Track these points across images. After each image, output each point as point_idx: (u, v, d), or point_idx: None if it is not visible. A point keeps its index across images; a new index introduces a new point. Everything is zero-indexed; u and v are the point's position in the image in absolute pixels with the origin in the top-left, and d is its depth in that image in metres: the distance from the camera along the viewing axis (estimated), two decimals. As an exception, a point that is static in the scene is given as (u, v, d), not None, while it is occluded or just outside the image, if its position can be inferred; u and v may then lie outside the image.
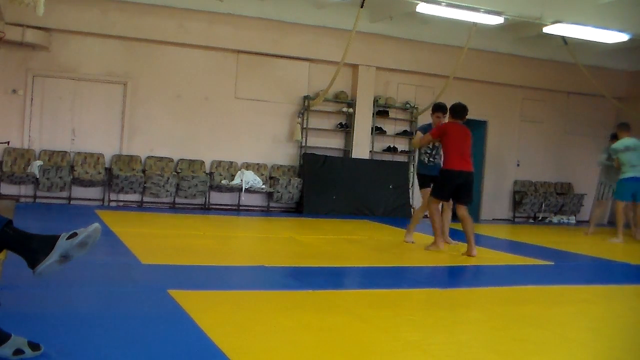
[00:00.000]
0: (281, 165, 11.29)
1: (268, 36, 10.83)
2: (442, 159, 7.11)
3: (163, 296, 3.98)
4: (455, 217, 7.49)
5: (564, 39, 10.65)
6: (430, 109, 11.49)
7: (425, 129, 7.51)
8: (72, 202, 9.98)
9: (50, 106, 10.03)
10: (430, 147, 7.34)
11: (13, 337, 2.66)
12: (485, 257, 7.39)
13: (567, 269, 6.85)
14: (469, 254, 6.67)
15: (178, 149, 10.66)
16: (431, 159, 7.43)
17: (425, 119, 12.12)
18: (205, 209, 10.61)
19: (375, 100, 11.73)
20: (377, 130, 11.82)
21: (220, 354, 2.90)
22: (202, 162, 10.79)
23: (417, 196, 12.23)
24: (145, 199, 10.29)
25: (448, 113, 7.07)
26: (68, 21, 9.80)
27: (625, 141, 9.33)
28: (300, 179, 11.06)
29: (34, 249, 2.59)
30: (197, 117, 10.73)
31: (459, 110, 6.86)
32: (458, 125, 6.80)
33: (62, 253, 2.59)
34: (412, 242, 7.46)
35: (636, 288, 5.85)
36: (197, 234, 7.36)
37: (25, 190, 9.80)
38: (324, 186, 11.11)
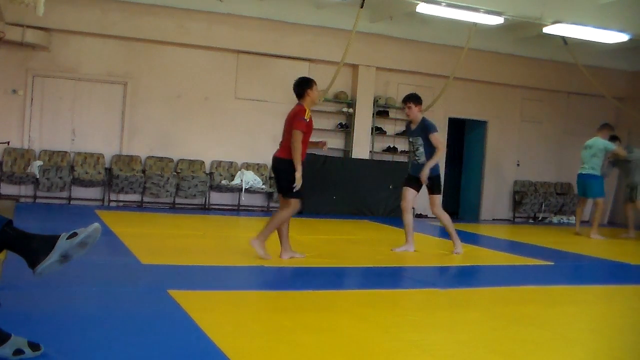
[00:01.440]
0: (281, 165, 11.27)
1: (268, 36, 10.82)
2: (426, 158, 6.65)
3: (163, 296, 3.98)
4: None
5: (564, 39, 10.65)
6: (429, 109, 11.61)
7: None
8: (72, 202, 9.98)
9: (50, 106, 10.03)
10: (411, 142, 6.85)
11: (13, 337, 2.66)
12: (485, 257, 7.40)
13: (567, 269, 6.85)
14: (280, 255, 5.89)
15: (178, 149, 10.66)
16: (412, 156, 6.93)
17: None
18: (205, 209, 10.61)
19: (375, 100, 11.73)
20: (377, 131, 11.82)
21: (220, 354, 2.91)
22: (202, 162, 10.78)
23: (418, 196, 12.24)
24: (145, 199, 10.29)
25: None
26: (68, 21, 9.80)
27: (588, 140, 9.88)
28: (300, 179, 11.04)
29: (34, 249, 2.59)
30: (197, 117, 10.73)
31: (293, 88, 5.96)
32: (292, 110, 5.92)
33: (62, 253, 2.59)
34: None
35: (636, 288, 5.85)
36: (197, 234, 7.37)
37: (25, 190, 9.80)
38: (324, 186, 11.10)
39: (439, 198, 6.88)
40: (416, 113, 6.72)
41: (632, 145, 10.66)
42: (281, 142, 5.96)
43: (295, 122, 5.70)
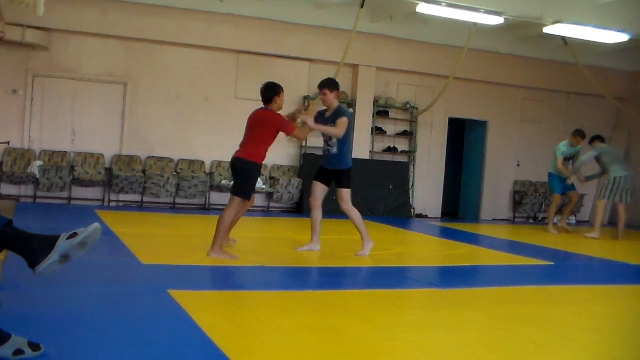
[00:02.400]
0: (281, 165, 11.28)
1: (268, 36, 10.82)
2: (338, 148, 6.21)
3: (163, 296, 3.98)
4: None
5: (564, 39, 10.66)
6: (429, 109, 11.63)
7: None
8: (72, 202, 9.97)
9: (50, 106, 10.03)
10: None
11: (13, 337, 2.66)
12: (486, 257, 7.40)
13: (567, 269, 6.86)
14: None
15: (178, 149, 10.66)
16: (324, 147, 6.37)
17: (426, 118, 12.17)
18: (205, 209, 10.61)
19: (375, 100, 11.73)
20: (377, 130, 11.82)
21: (220, 354, 2.91)
22: (202, 162, 10.79)
23: (418, 196, 12.29)
24: (145, 199, 10.29)
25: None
26: (68, 21, 9.79)
27: None
28: (300, 179, 11.05)
29: (34, 248, 2.59)
30: (197, 117, 10.73)
31: (260, 91, 6.03)
32: (255, 111, 6.11)
33: (62, 253, 2.59)
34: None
35: (636, 288, 5.86)
36: (197, 234, 7.36)
37: (25, 190, 9.79)
38: (324, 186, 11.08)
39: (347, 192, 6.21)
40: (332, 100, 6.20)
41: (608, 146, 10.44)
42: (242, 142, 6.08)
43: (284, 127, 5.94)
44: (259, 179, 10.67)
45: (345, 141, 6.21)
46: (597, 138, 10.09)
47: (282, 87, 6.00)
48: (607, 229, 10.64)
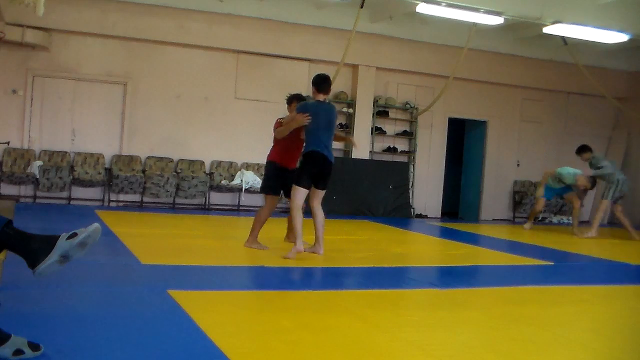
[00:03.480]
0: (281, 165, 11.27)
1: (268, 36, 10.82)
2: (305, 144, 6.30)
3: (163, 296, 3.98)
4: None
5: (564, 39, 10.66)
6: (429, 109, 11.62)
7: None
8: (72, 202, 9.97)
9: (50, 106, 10.03)
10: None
11: (13, 337, 2.66)
12: (485, 257, 7.40)
13: (567, 269, 6.85)
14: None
15: (178, 149, 10.66)
16: None
17: (426, 119, 12.17)
18: (205, 209, 10.61)
19: (375, 101, 11.73)
20: (377, 131, 11.82)
21: (220, 354, 2.91)
22: (202, 162, 10.78)
23: (418, 196, 12.29)
24: (145, 199, 10.29)
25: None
26: (68, 21, 9.80)
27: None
28: (300, 179, 11.04)
29: (34, 249, 2.59)
30: (197, 117, 10.73)
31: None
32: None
33: (62, 253, 2.59)
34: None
35: (636, 288, 5.86)
36: (197, 234, 7.36)
37: (25, 190, 9.79)
38: (324, 186, 11.08)
39: (294, 190, 6.17)
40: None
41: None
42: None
43: (275, 129, 6.55)
44: (259, 178, 10.72)
45: (306, 136, 6.19)
46: (584, 149, 10.27)
47: (295, 99, 6.60)
48: (616, 231, 10.64)
